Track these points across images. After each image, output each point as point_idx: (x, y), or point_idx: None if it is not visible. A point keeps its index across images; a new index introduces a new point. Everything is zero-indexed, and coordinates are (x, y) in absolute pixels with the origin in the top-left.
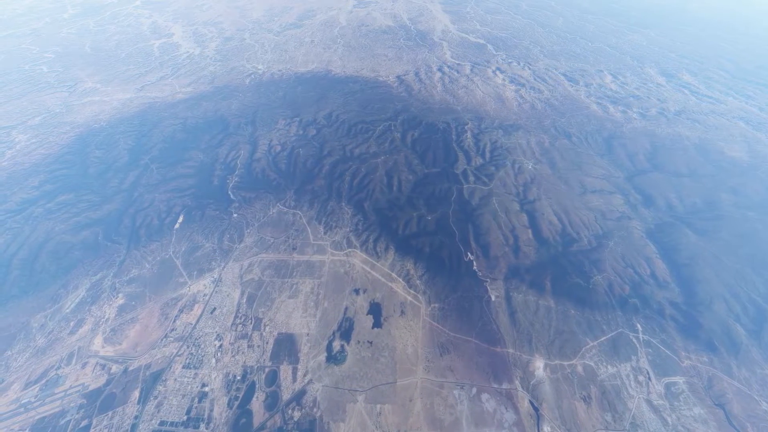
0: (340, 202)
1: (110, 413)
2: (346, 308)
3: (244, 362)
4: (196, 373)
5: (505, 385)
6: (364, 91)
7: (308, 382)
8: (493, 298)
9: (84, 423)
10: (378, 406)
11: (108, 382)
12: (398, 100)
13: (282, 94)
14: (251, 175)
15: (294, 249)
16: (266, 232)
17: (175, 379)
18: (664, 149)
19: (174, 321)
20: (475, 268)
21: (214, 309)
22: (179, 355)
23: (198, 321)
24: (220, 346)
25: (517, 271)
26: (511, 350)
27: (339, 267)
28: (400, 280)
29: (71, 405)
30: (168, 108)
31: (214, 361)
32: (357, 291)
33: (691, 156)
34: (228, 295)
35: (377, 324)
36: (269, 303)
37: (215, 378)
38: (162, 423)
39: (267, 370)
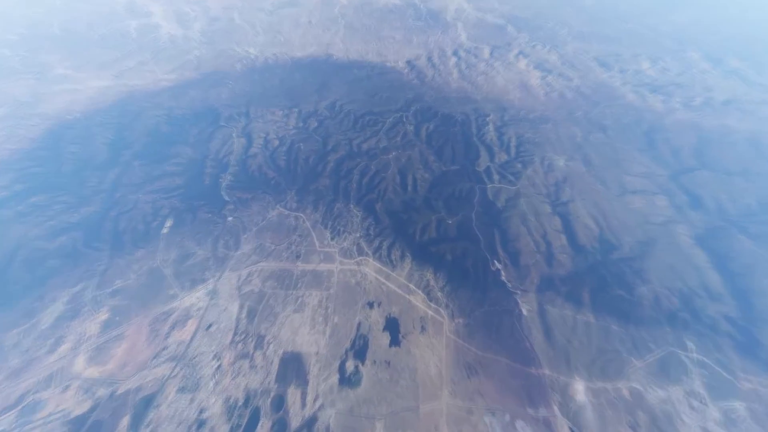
0: (348, 204)
1: None
2: (360, 324)
3: (247, 385)
4: (192, 398)
5: (542, 411)
6: (371, 78)
7: (319, 408)
8: (524, 313)
9: None
10: None
11: (93, 408)
12: (409, 88)
13: (278, 82)
14: (247, 173)
15: (298, 257)
16: (266, 237)
17: (169, 405)
18: (712, 144)
19: (165, 338)
20: (503, 278)
21: (210, 325)
22: (173, 377)
23: (192, 338)
24: (219, 366)
25: (551, 281)
26: (547, 371)
27: (349, 277)
28: (419, 292)
29: None
30: (150, 97)
31: (212, 383)
32: (371, 304)
33: (743, 151)
34: (225, 309)
35: (395, 342)
36: (272, 318)
37: (214, 403)
38: None
39: (272, 394)
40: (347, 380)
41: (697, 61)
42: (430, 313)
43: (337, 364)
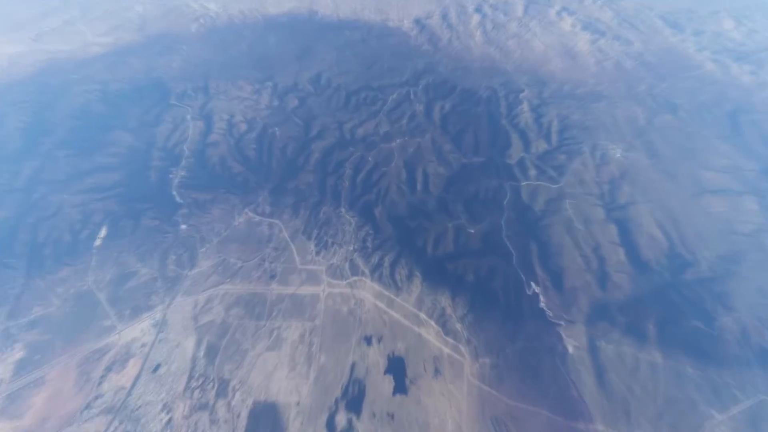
0: (339, 208)
1: None
2: (354, 365)
3: None
4: None
5: None
6: (368, 42)
7: None
8: (570, 350)
9: None
10: None
11: None
12: (419, 55)
13: (246, 47)
14: (205, 167)
15: (273, 277)
16: (230, 251)
17: None
18: None
19: (99, 384)
20: (542, 305)
21: (158, 366)
22: None
23: (135, 384)
24: (170, 420)
25: (606, 309)
26: (600, 427)
27: (341, 304)
28: (432, 323)
29: None
30: (78, 67)
31: None
32: (368, 340)
33: None
34: (178, 346)
35: (400, 388)
36: (239, 357)
37: None
38: None
39: None
40: None
41: None
42: (447, 350)
43: (324, 417)
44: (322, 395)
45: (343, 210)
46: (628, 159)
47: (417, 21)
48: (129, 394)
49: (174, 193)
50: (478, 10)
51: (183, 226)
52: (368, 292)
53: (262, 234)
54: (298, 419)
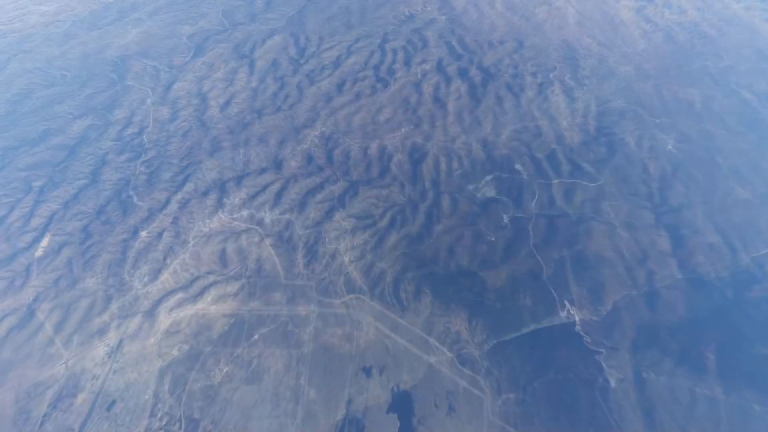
0: (332, 210)
1: None
2: (350, 401)
3: None
4: None
5: None
6: (366, 11)
7: None
8: (612, 383)
9: None
10: None
11: None
12: (427, 26)
13: (220, 10)
14: (169, 162)
15: (252, 295)
16: (200, 263)
17: None
18: None
19: (41, 425)
20: (578, 328)
21: (113, 402)
22: None
23: (85, 424)
24: None
25: (654, 334)
26: None
27: (334, 327)
28: (445, 350)
29: None
30: (15, 43)
31: None
32: (368, 370)
33: None
34: (137, 378)
35: (407, 429)
36: (211, 392)
37: None
38: None
39: None
40: None
41: None
42: (463, 383)
43: None
44: None
45: (336, 212)
46: (682, 151)
47: None
48: None
49: (132, 192)
50: None
51: (143, 233)
52: (367, 312)
53: (239, 242)
54: None
